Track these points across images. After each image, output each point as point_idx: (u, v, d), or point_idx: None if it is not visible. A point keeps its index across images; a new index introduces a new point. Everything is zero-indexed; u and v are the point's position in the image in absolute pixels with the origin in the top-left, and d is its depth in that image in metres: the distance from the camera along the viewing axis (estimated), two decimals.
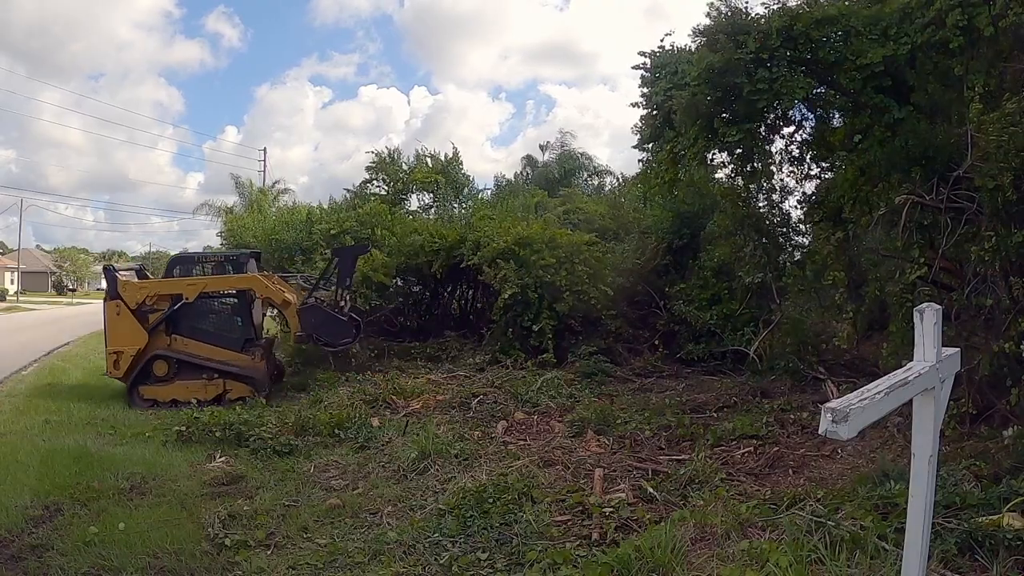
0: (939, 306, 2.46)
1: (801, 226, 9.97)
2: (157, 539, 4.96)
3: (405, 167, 20.98)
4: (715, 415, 8.49)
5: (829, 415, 1.95)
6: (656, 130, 8.45)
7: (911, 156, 6.75)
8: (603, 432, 7.72)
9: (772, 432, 7.31)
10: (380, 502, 5.83)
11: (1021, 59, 6.18)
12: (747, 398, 9.13)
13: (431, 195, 20.67)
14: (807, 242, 9.95)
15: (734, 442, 7.11)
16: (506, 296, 11.75)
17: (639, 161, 9.91)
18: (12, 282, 55.25)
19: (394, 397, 9.62)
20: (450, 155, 21.50)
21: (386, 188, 20.60)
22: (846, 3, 7.34)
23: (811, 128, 8.67)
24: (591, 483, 5.98)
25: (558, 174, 27.65)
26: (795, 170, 9.09)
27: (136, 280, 10.82)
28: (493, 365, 11.44)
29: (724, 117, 7.46)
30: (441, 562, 4.59)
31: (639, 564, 4.11)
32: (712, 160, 8.65)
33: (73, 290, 64.99)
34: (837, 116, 8.43)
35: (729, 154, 8.39)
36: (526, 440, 7.68)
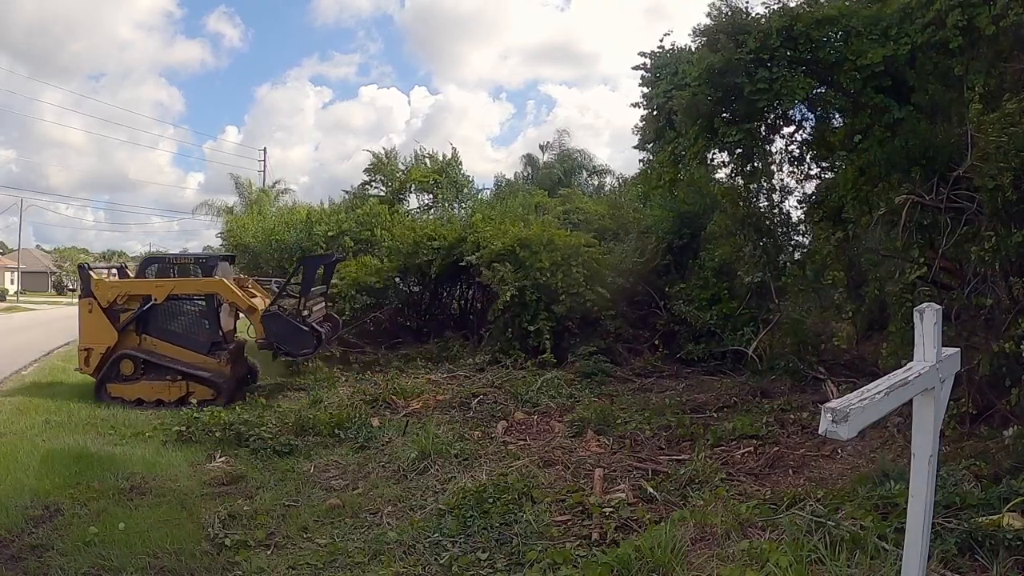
0: (939, 306, 2.46)
1: (801, 226, 9.98)
2: (157, 539, 4.96)
3: (402, 167, 20.99)
4: (715, 415, 8.49)
5: (829, 415, 1.95)
6: (657, 130, 8.46)
7: (911, 156, 6.76)
8: (603, 432, 7.72)
9: (772, 432, 7.31)
10: (380, 502, 5.83)
11: (1021, 59, 6.18)
12: (747, 398, 9.13)
13: (430, 195, 20.69)
14: (807, 242, 9.95)
15: (734, 442, 7.11)
16: (506, 299, 11.75)
17: (640, 161, 9.95)
18: (12, 282, 55.21)
19: (394, 397, 9.62)
20: (449, 155, 21.52)
21: (385, 189, 20.62)
22: (846, 3, 7.34)
23: (811, 128, 8.68)
24: (591, 483, 5.98)
25: (561, 174, 27.67)
26: (795, 170, 9.10)
27: (108, 279, 10.84)
28: (493, 365, 11.44)
29: (724, 117, 7.47)
30: (441, 562, 4.59)
31: (639, 564, 4.10)
32: (712, 160, 8.66)
33: (73, 290, 64.96)
34: (837, 116, 8.43)
35: (729, 154, 8.40)
36: (526, 440, 7.68)
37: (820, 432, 2.01)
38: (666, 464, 6.59)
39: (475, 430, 7.97)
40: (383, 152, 21.56)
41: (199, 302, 10.67)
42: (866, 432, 5.82)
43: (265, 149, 45.01)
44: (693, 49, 8.02)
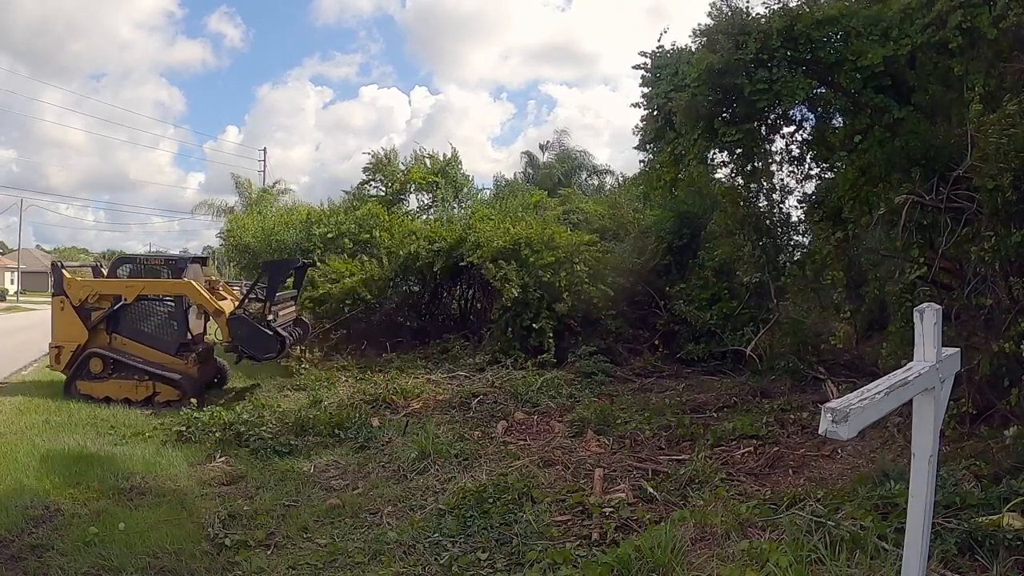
0: (939, 306, 2.46)
1: (801, 226, 9.97)
2: (157, 539, 4.97)
3: (402, 167, 20.98)
4: (715, 415, 8.49)
5: (829, 415, 1.95)
6: (657, 131, 8.45)
7: (911, 156, 6.75)
8: (603, 432, 7.72)
9: (772, 432, 7.31)
10: (380, 502, 5.83)
11: (1021, 60, 6.17)
12: (747, 398, 9.13)
13: (430, 195, 20.68)
14: (807, 242, 9.94)
15: (734, 442, 7.11)
16: (513, 295, 11.74)
17: (640, 161, 9.92)
18: (12, 282, 55.21)
19: (394, 397, 9.62)
20: (449, 155, 21.50)
21: (384, 189, 20.60)
22: (846, 3, 7.34)
23: (811, 128, 8.67)
24: (591, 483, 5.98)
25: (560, 175, 27.67)
26: (795, 170, 9.08)
27: (80, 279, 10.90)
28: (493, 365, 11.43)
29: (724, 117, 7.46)
30: (441, 562, 4.59)
31: (639, 564, 4.11)
32: (712, 160, 8.65)
33: None
34: (837, 116, 8.43)
35: (729, 154, 8.39)
36: (526, 440, 7.68)
37: (820, 432, 2.01)
38: (666, 464, 6.59)
39: (475, 430, 7.97)
40: (383, 152, 21.56)
41: (168, 303, 10.80)
42: (866, 432, 5.82)
43: (265, 149, 45.10)
44: (693, 49, 8.02)
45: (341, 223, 16.63)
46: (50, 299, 10.75)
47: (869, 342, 9.77)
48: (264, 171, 42.18)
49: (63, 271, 10.73)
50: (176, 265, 11.31)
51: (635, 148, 9.47)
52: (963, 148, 6.23)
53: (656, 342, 12.27)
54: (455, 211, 20.32)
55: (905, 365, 2.39)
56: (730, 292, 11.59)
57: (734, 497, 5.33)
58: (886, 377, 2.26)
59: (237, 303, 10.78)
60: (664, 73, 8.16)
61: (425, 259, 13.53)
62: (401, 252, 14.02)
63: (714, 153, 8.30)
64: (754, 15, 7.43)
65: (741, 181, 9.25)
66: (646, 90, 8.46)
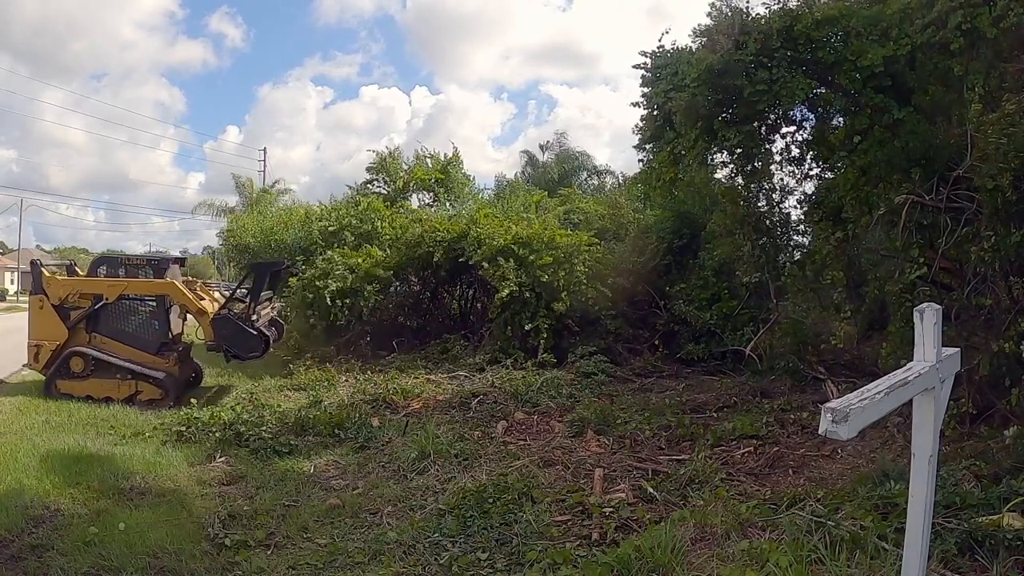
0: (939, 306, 2.46)
1: (801, 226, 9.96)
2: (157, 539, 4.96)
3: (404, 166, 20.98)
4: (715, 415, 8.49)
5: (829, 415, 1.95)
6: (656, 130, 8.43)
7: (911, 156, 6.75)
8: (603, 432, 7.72)
9: (772, 432, 7.31)
10: (380, 502, 5.83)
11: (1021, 60, 6.17)
12: (747, 398, 9.13)
13: (431, 194, 20.67)
14: (807, 242, 9.93)
15: (734, 442, 7.11)
16: (504, 294, 11.75)
17: (639, 161, 9.89)
18: (12, 282, 55.16)
19: (394, 397, 9.62)
20: (450, 155, 21.49)
21: (387, 188, 20.61)
22: (846, 3, 7.33)
23: (811, 128, 8.66)
24: (591, 483, 5.98)
25: (557, 175, 27.65)
26: (795, 170, 9.08)
27: (60, 277, 10.87)
28: (493, 365, 11.43)
29: (724, 118, 7.45)
30: (441, 562, 4.59)
31: (639, 564, 4.11)
32: (712, 160, 8.64)
33: None
34: (837, 116, 8.42)
35: (729, 154, 8.38)
36: (526, 440, 7.68)
37: (820, 432, 2.01)
38: (666, 464, 6.59)
39: (475, 430, 7.96)
40: (387, 151, 21.56)
41: (150, 303, 10.85)
42: (866, 432, 5.82)
43: (265, 149, 45.06)
44: (693, 49, 8.01)
45: (342, 217, 16.61)
46: (29, 296, 10.68)
47: (869, 342, 9.75)
48: (264, 171, 42.18)
49: (42, 269, 10.70)
50: (159, 265, 11.35)
51: (634, 148, 9.46)
52: (963, 148, 6.23)
53: (656, 342, 12.27)
54: (456, 210, 20.31)
55: (905, 365, 2.39)
56: (730, 292, 11.59)
57: (734, 497, 5.33)
58: (886, 377, 2.26)
59: (220, 303, 10.94)
60: (664, 73, 8.14)
61: (427, 246, 13.50)
62: (406, 235, 14.00)
63: (714, 153, 8.29)
64: (754, 15, 7.42)
65: (741, 181, 9.24)
66: (646, 90, 8.45)
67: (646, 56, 8.45)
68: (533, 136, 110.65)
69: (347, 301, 13.02)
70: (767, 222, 9.56)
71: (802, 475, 6.12)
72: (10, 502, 5.59)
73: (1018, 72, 6.20)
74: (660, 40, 8.33)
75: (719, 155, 8.49)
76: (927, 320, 2.39)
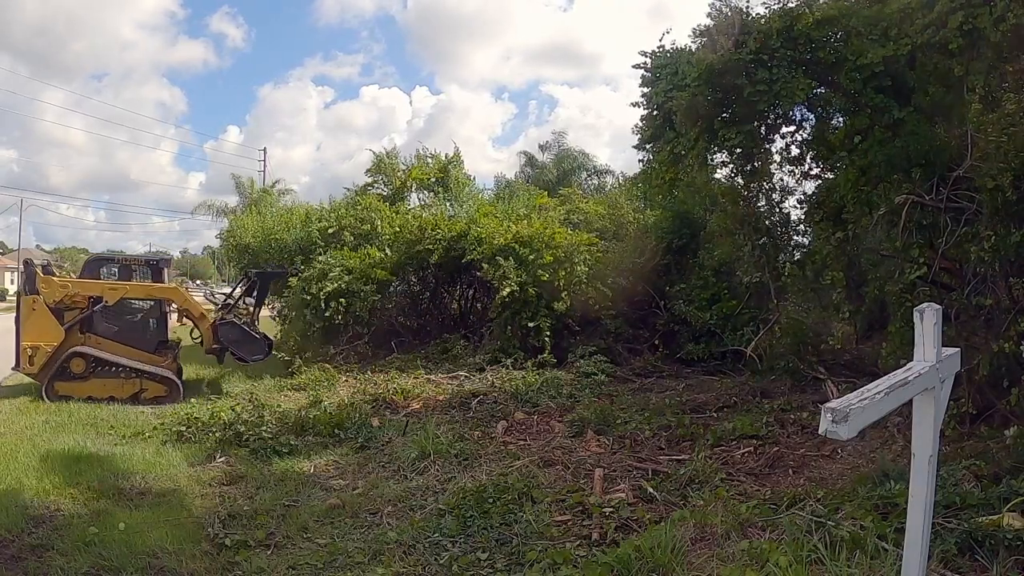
0: (939, 306, 2.46)
1: (801, 226, 9.96)
2: (157, 539, 4.97)
3: (403, 166, 20.96)
4: (715, 415, 8.49)
5: (829, 415, 1.95)
6: (656, 130, 8.43)
7: (911, 156, 6.75)
8: (603, 432, 7.72)
9: (772, 432, 7.31)
10: (380, 502, 5.83)
11: (1021, 60, 6.17)
12: (747, 398, 9.13)
13: (431, 194, 20.65)
14: (807, 242, 9.93)
15: (734, 442, 7.11)
16: (504, 294, 11.75)
17: (639, 161, 9.89)
18: (12, 282, 55.16)
19: (394, 397, 9.63)
20: (451, 155, 21.48)
21: (386, 188, 20.58)
22: (846, 3, 7.33)
23: (811, 128, 8.66)
24: (591, 483, 5.98)
25: (555, 175, 27.64)
26: (795, 170, 9.08)
27: (58, 279, 10.79)
28: (493, 365, 11.43)
29: (724, 118, 7.45)
30: (441, 562, 4.59)
31: (639, 564, 4.11)
32: (712, 160, 8.63)
33: None
34: (837, 116, 8.42)
35: (729, 154, 8.38)
36: (526, 440, 7.68)
37: (820, 432, 2.01)
38: (666, 464, 6.59)
39: (475, 430, 7.97)
40: (384, 152, 21.53)
41: (147, 302, 10.90)
42: (866, 432, 5.82)
43: (265, 149, 45.04)
44: (693, 49, 8.01)
45: (342, 217, 16.60)
46: (16, 297, 10.55)
47: (869, 342, 9.76)
48: (264, 171, 42.15)
49: (36, 270, 10.54)
50: (157, 266, 11.36)
51: (634, 148, 9.45)
52: (963, 148, 6.23)
53: (656, 342, 12.28)
54: (456, 211, 20.30)
55: (905, 365, 2.39)
56: (730, 292, 11.59)
57: (734, 497, 5.33)
58: (886, 377, 2.26)
59: (220, 307, 11.22)
60: (664, 73, 8.14)
61: (427, 245, 13.50)
62: (405, 234, 14.02)
63: (714, 153, 8.29)
64: (754, 15, 7.42)
65: (741, 181, 9.24)
66: (646, 90, 8.45)
67: (646, 56, 8.45)
68: (534, 136, 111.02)
69: (343, 302, 13.00)
70: (767, 222, 9.56)
71: (802, 475, 6.12)
72: (10, 502, 5.60)
73: (1018, 72, 6.21)
74: (660, 40, 8.33)
75: (719, 155, 8.48)
76: (927, 320, 2.39)
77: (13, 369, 10.57)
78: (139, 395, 10.18)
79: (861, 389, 2.13)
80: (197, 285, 16.80)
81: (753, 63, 7.01)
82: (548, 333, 11.74)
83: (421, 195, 20.62)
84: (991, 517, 4.15)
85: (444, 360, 12.42)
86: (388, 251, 14.19)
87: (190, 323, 11.29)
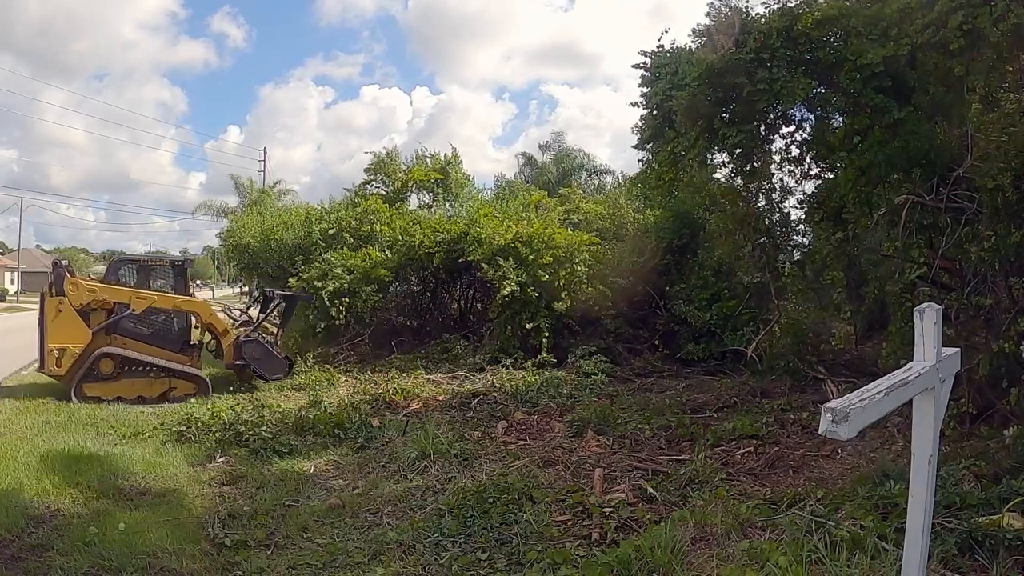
0: (939, 306, 2.46)
1: (801, 226, 9.96)
2: (157, 539, 4.96)
3: (403, 167, 20.96)
4: (715, 415, 8.49)
5: (829, 415, 1.95)
6: (656, 130, 8.44)
7: (911, 156, 6.75)
8: (603, 432, 7.72)
9: (772, 432, 7.31)
10: (380, 502, 5.83)
11: (1021, 60, 6.17)
12: (747, 398, 9.14)
13: (431, 194, 20.65)
14: (807, 242, 9.93)
15: (734, 442, 7.11)
16: (505, 293, 11.75)
17: (639, 161, 9.89)
18: (12, 282, 55.20)
19: (394, 397, 9.63)
20: (450, 155, 21.47)
21: (386, 189, 20.58)
22: (846, 3, 7.33)
23: (811, 128, 8.66)
24: (591, 483, 5.98)
25: (555, 175, 27.64)
26: (795, 170, 9.08)
27: (87, 282, 10.82)
28: (493, 365, 11.44)
29: (724, 117, 7.46)
30: (441, 562, 4.59)
31: (639, 564, 4.10)
32: (712, 160, 8.64)
33: None
34: (837, 116, 8.42)
35: (729, 154, 8.38)
36: (526, 440, 7.68)
37: (820, 432, 2.01)
38: (666, 464, 6.59)
39: (475, 430, 7.97)
40: (384, 152, 21.53)
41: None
42: (866, 432, 5.82)
43: (265, 149, 44.82)
44: (693, 49, 8.01)
45: (342, 219, 16.61)
46: (40, 298, 10.43)
47: (869, 342, 9.77)
48: (264, 171, 42.10)
49: (64, 271, 10.50)
50: (181, 266, 11.35)
51: (634, 148, 9.46)
52: (963, 148, 6.23)
53: (656, 342, 12.28)
54: (456, 211, 20.29)
55: (905, 365, 2.39)
56: (730, 292, 11.59)
57: (734, 497, 5.32)
58: (886, 377, 2.26)
59: (240, 323, 11.62)
60: (664, 72, 8.14)
61: (427, 247, 13.51)
62: (404, 238, 14.04)
63: (714, 153, 8.29)
64: (754, 15, 7.42)
65: (741, 181, 9.24)
66: (645, 89, 8.45)
67: (646, 56, 8.46)
68: (534, 136, 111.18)
69: (345, 301, 13.01)
70: (767, 222, 9.56)
71: (802, 475, 6.12)
72: (10, 502, 5.59)
73: (1018, 72, 6.21)
74: (660, 40, 8.34)
75: (719, 155, 8.48)
76: (927, 320, 2.39)
77: (38, 371, 10.62)
78: (168, 394, 10.24)
79: (861, 389, 2.13)
80: (198, 285, 16.87)
81: (753, 63, 7.01)
82: (548, 333, 11.76)
83: (421, 195, 20.64)
84: (991, 517, 4.15)
85: (444, 360, 12.43)
86: (388, 252, 14.22)
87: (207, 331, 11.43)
